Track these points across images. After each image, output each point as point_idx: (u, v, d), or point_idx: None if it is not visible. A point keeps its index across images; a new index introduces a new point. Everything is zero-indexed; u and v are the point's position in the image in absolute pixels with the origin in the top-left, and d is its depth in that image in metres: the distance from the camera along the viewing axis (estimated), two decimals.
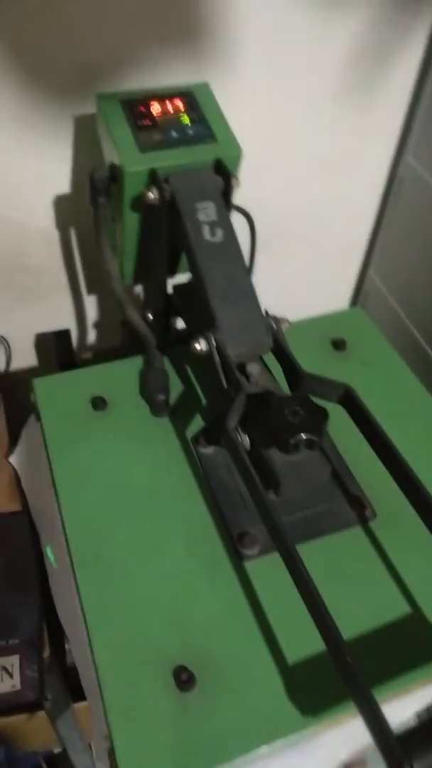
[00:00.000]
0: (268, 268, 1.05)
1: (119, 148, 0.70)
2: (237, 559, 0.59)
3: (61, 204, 0.97)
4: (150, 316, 0.85)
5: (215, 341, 0.62)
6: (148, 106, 0.73)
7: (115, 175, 0.73)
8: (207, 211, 0.67)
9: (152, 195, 0.69)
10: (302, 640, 0.53)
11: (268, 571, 0.58)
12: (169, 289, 0.82)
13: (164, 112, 0.74)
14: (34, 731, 0.84)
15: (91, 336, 1.20)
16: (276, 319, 0.66)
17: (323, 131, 1.04)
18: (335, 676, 0.45)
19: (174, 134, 0.72)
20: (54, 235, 1.01)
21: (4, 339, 1.12)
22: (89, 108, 0.85)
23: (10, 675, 0.74)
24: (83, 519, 0.62)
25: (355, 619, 0.55)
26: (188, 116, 0.74)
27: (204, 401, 0.73)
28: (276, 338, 0.64)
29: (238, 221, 0.73)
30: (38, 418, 0.71)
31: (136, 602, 0.56)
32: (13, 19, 0.75)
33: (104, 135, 0.74)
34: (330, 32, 0.91)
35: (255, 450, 0.58)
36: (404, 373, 0.78)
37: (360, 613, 0.56)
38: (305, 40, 0.90)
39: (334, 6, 0.87)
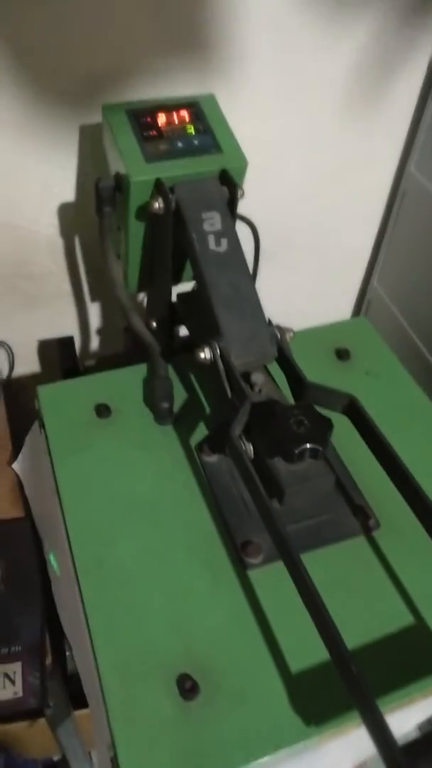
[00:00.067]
0: (272, 277, 1.06)
1: (125, 157, 0.71)
2: (241, 567, 0.59)
3: (65, 212, 0.97)
4: (154, 324, 0.85)
5: (220, 350, 0.63)
6: (154, 117, 0.74)
7: (121, 184, 0.73)
8: (212, 221, 0.68)
9: (157, 204, 0.69)
10: (305, 649, 0.53)
11: (271, 579, 0.58)
12: (173, 297, 0.82)
13: (170, 122, 0.74)
14: (34, 738, 0.84)
15: (95, 343, 1.21)
16: (280, 329, 0.66)
17: (328, 142, 1.04)
18: (339, 686, 0.45)
19: (180, 144, 0.73)
20: (58, 242, 1.01)
21: (8, 345, 1.13)
22: (95, 118, 0.85)
23: (12, 682, 0.74)
24: (86, 526, 0.62)
25: (359, 628, 0.55)
26: (194, 127, 0.74)
27: (208, 410, 0.73)
28: (280, 348, 0.65)
29: (242, 231, 0.73)
30: (42, 426, 0.71)
31: (139, 610, 0.56)
32: (20, 29, 0.76)
33: (110, 145, 0.75)
34: (335, 45, 0.92)
35: (259, 459, 0.58)
36: (408, 383, 0.78)
37: (363, 622, 0.56)
38: (311, 53, 0.91)
39: (340, 20, 0.88)
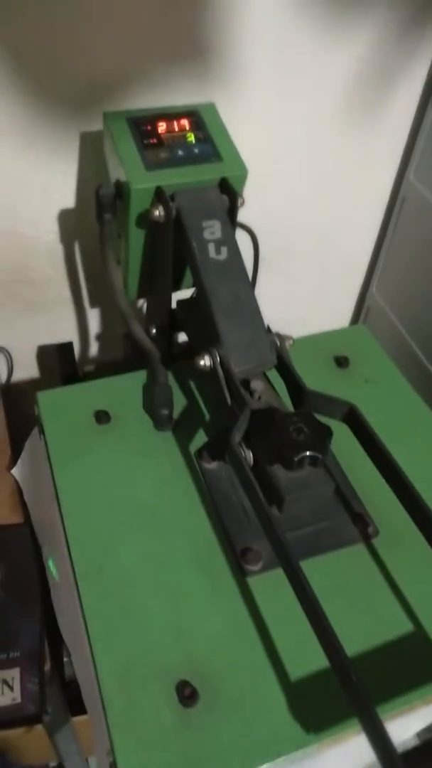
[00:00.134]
0: (272, 284, 1.06)
1: (125, 165, 0.71)
2: (240, 574, 0.60)
3: (65, 218, 0.97)
4: (153, 331, 0.86)
5: (220, 357, 0.63)
6: (154, 125, 0.74)
7: (121, 192, 0.73)
8: (212, 230, 0.68)
9: (158, 212, 0.70)
10: (305, 657, 0.54)
11: (271, 586, 0.58)
12: (173, 304, 0.82)
13: (170, 130, 0.75)
14: (31, 745, 0.84)
15: (94, 349, 1.21)
16: (280, 336, 0.66)
17: (327, 151, 1.05)
18: (338, 693, 0.45)
19: (180, 153, 0.73)
20: (58, 248, 1.02)
21: (7, 351, 1.13)
22: (96, 125, 0.86)
23: (11, 688, 0.74)
24: (86, 532, 0.62)
25: (358, 636, 0.55)
26: (194, 135, 0.75)
27: (207, 416, 0.74)
28: (280, 355, 0.65)
29: (241, 238, 0.73)
30: (42, 432, 0.71)
31: (138, 616, 0.56)
32: (23, 36, 0.76)
33: (110, 152, 0.75)
34: (335, 55, 0.92)
35: (259, 466, 0.58)
36: (407, 391, 0.78)
37: (363, 630, 0.56)
38: (311, 62, 0.92)
39: (340, 30, 0.89)
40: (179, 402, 0.74)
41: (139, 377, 0.76)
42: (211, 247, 0.67)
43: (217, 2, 0.81)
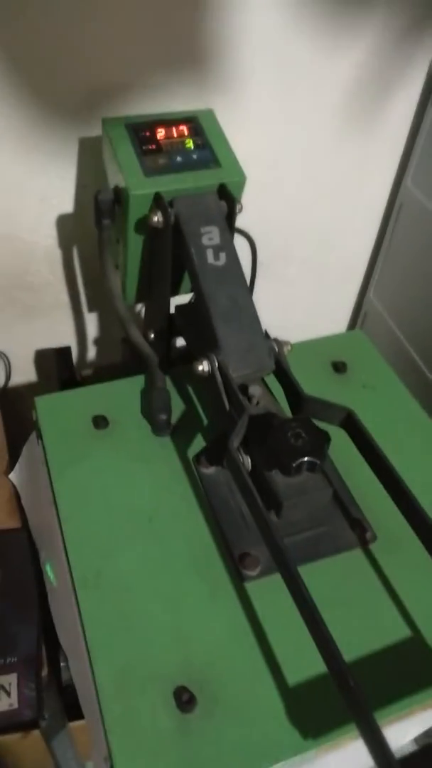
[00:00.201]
0: (269, 289, 1.06)
1: (124, 171, 0.71)
2: (238, 579, 0.60)
3: (64, 223, 0.98)
4: (152, 336, 0.86)
5: (218, 362, 0.63)
6: (153, 131, 0.75)
7: (120, 197, 0.74)
8: (211, 236, 0.68)
9: (157, 218, 0.70)
10: (303, 662, 0.54)
11: (269, 592, 0.58)
12: (171, 309, 0.83)
13: (169, 137, 0.75)
14: (28, 750, 0.83)
15: (92, 353, 1.21)
16: (278, 342, 0.66)
17: (325, 156, 1.05)
18: (336, 699, 0.45)
19: (178, 159, 0.73)
20: (57, 253, 1.02)
21: (5, 355, 1.13)
22: (94, 130, 0.86)
23: (8, 694, 0.74)
24: (84, 537, 0.62)
25: (356, 641, 0.55)
26: (193, 141, 0.75)
27: (205, 421, 0.74)
28: (278, 360, 0.65)
29: (239, 243, 0.74)
30: (40, 436, 0.71)
31: (136, 622, 0.56)
32: (22, 42, 0.77)
33: (109, 158, 0.76)
34: (333, 61, 0.93)
35: (257, 471, 0.58)
36: (404, 396, 0.78)
37: (360, 635, 0.56)
38: (309, 68, 0.92)
39: (338, 36, 0.89)
40: (177, 407, 0.74)
41: (137, 382, 0.76)
42: (210, 253, 0.68)
43: (217, 8, 0.81)
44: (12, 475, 0.90)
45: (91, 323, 1.16)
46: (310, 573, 0.54)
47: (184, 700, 0.51)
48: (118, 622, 0.56)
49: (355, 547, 0.63)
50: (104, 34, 0.79)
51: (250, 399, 0.63)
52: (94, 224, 0.77)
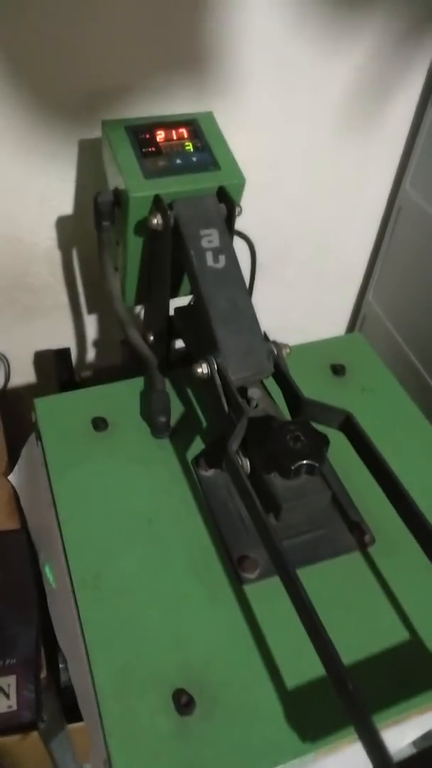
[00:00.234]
0: (269, 292, 1.06)
1: (124, 173, 0.72)
2: (237, 582, 0.60)
3: (64, 225, 0.98)
4: (151, 338, 0.86)
5: (217, 365, 0.63)
6: (153, 134, 0.75)
7: (120, 199, 0.74)
8: (210, 238, 0.68)
9: (156, 221, 0.70)
10: (301, 665, 0.54)
11: (267, 594, 0.58)
12: (171, 311, 0.83)
13: (169, 139, 0.75)
14: (27, 752, 0.83)
15: (91, 354, 1.21)
16: (277, 345, 0.66)
17: (324, 159, 1.06)
18: (335, 702, 0.45)
19: (178, 161, 0.73)
20: (56, 255, 1.02)
21: (4, 356, 1.13)
22: (94, 132, 0.86)
23: (7, 695, 0.74)
24: (83, 539, 0.62)
25: (355, 644, 0.56)
26: (192, 144, 0.75)
27: (204, 424, 0.74)
28: (277, 363, 0.65)
29: (238, 245, 0.74)
30: (39, 438, 0.71)
31: (135, 624, 0.56)
32: (22, 42, 0.77)
33: (109, 160, 0.76)
34: (333, 64, 0.93)
35: (256, 474, 0.59)
36: (403, 399, 0.79)
37: (359, 638, 0.56)
38: (308, 71, 0.92)
39: (337, 39, 0.90)
40: (176, 409, 0.74)
41: (137, 384, 0.76)
42: (209, 256, 0.68)
43: (217, 11, 0.81)
44: (11, 477, 0.90)
45: (91, 325, 1.16)
46: (308, 576, 0.54)
47: (183, 702, 0.51)
48: (117, 624, 0.56)
49: (353, 550, 0.63)
50: (104, 35, 0.80)
51: (249, 401, 0.63)
52: (94, 226, 0.77)
